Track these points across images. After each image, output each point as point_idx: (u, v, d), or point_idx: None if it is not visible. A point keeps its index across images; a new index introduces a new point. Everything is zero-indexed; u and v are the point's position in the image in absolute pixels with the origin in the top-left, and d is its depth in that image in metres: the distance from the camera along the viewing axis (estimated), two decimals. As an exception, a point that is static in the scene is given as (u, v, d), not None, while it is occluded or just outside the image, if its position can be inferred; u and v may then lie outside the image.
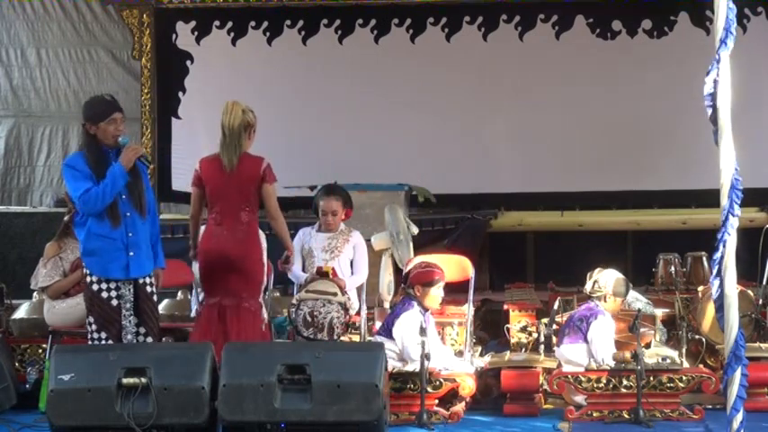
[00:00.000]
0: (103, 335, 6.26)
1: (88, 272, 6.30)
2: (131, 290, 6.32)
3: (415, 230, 8.34)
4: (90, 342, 6.32)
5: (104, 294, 6.26)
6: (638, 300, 8.11)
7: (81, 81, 11.82)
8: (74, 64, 11.82)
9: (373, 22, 11.45)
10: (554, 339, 7.72)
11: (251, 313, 6.71)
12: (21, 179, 11.86)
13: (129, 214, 6.29)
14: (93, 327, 6.29)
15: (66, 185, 6.43)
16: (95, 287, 6.26)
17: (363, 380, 5.77)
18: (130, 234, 6.28)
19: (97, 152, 6.27)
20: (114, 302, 6.27)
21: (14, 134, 11.86)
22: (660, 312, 8.21)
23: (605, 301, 7.45)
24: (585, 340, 7.30)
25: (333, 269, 7.48)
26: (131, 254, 6.26)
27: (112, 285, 6.27)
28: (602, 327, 7.30)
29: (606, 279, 7.50)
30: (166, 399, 5.82)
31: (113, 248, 6.23)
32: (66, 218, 7.59)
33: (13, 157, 11.87)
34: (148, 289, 6.39)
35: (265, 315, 6.93)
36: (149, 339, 6.34)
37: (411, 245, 8.33)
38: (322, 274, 7.36)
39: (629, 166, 10.99)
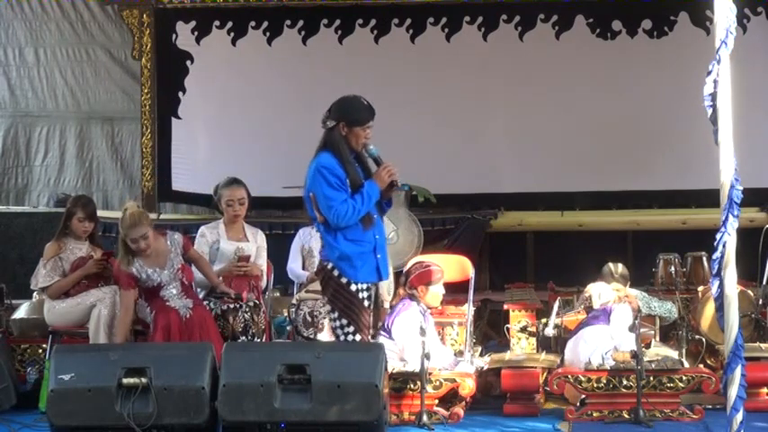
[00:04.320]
0: (358, 338, 6.08)
1: (338, 274, 6.09)
2: (374, 292, 6.25)
3: (395, 239, 8.17)
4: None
5: (361, 295, 6.11)
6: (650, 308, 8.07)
7: (78, 80, 11.78)
8: (71, 63, 11.77)
9: (373, 22, 11.42)
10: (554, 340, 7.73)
11: None
12: (18, 179, 11.81)
13: (374, 216, 6.20)
14: (350, 329, 6.08)
15: (315, 187, 6.07)
16: (353, 288, 6.09)
17: (363, 380, 5.77)
18: (377, 236, 6.19)
19: (345, 154, 6.15)
20: (366, 303, 6.14)
21: (12, 134, 11.82)
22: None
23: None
24: (608, 323, 7.35)
25: (333, 269, 7.46)
26: (379, 256, 6.17)
27: (364, 287, 6.13)
28: (625, 312, 7.39)
29: (599, 290, 7.60)
30: (166, 399, 5.83)
31: (366, 252, 6.12)
32: None
33: (10, 156, 11.82)
34: None
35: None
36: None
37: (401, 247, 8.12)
38: (322, 274, 7.34)
39: (629, 166, 10.96)
